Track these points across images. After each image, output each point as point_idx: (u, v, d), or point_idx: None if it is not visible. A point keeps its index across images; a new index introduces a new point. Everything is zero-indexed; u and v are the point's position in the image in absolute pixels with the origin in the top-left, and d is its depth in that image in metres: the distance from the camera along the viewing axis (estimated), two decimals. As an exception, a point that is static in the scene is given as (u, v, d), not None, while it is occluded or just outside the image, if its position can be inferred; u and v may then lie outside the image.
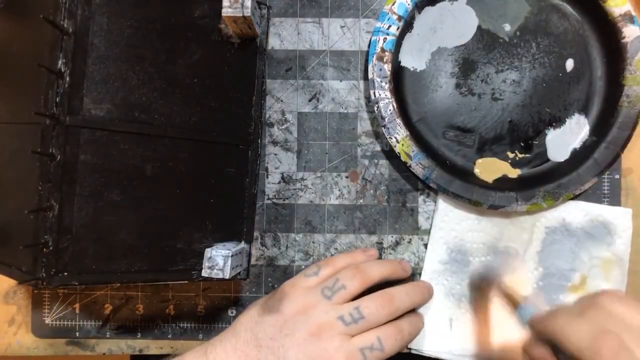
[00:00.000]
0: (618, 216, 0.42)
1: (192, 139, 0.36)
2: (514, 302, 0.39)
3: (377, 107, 0.40)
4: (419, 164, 0.40)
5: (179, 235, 0.36)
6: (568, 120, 0.42)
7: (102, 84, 0.32)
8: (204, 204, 0.38)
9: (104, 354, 0.44)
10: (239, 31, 0.38)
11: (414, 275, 0.43)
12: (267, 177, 0.44)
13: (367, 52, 0.42)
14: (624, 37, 0.40)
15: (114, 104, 0.32)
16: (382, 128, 0.41)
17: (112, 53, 0.32)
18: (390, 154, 0.43)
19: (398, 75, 0.42)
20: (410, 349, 0.42)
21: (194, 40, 0.36)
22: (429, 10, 0.42)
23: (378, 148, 0.43)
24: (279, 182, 0.43)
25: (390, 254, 0.43)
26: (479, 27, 0.42)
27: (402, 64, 0.42)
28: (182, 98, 0.35)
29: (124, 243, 0.34)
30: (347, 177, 0.43)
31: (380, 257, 0.43)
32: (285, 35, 0.43)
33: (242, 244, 0.40)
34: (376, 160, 0.43)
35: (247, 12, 0.35)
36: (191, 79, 0.36)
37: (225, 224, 0.39)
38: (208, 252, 0.36)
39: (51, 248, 0.30)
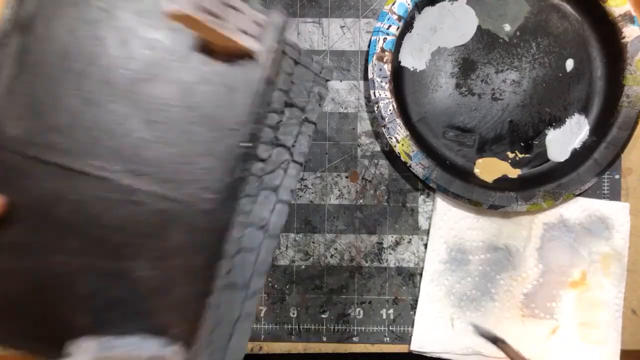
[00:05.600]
0: (616, 211, 0.42)
1: (118, 181, 0.29)
2: None
3: (377, 107, 0.40)
4: (419, 164, 0.40)
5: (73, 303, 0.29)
6: (568, 121, 0.42)
7: (24, 97, 0.28)
8: (129, 277, 0.29)
9: None
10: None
11: (414, 275, 0.43)
12: (267, 177, 0.44)
13: (367, 52, 0.42)
14: (624, 37, 0.40)
15: (34, 122, 0.28)
16: (382, 128, 0.41)
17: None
18: (390, 154, 0.43)
19: (398, 75, 0.42)
20: (412, 351, 0.42)
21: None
22: (428, 11, 0.42)
23: (378, 148, 0.43)
24: (279, 182, 0.43)
25: (390, 254, 0.43)
26: (478, 27, 0.42)
27: (402, 64, 0.42)
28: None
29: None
30: (347, 177, 0.43)
31: (380, 256, 0.43)
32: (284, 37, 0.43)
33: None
34: (376, 160, 0.43)
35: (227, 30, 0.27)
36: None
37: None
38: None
39: None
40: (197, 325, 0.30)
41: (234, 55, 0.29)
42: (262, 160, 0.32)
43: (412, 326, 0.43)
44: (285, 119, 0.33)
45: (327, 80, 0.35)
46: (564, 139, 0.42)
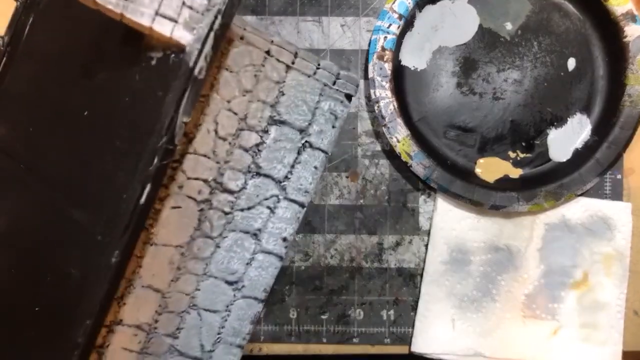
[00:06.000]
0: (617, 211, 0.42)
1: (50, 200, 0.24)
2: None
3: (378, 107, 0.40)
4: (419, 164, 0.40)
5: None
6: (570, 120, 0.42)
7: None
8: (25, 309, 0.24)
9: None
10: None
11: (414, 276, 0.43)
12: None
13: (368, 51, 0.42)
14: (626, 36, 0.39)
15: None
16: (383, 128, 0.40)
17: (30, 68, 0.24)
18: (390, 154, 0.43)
19: (399, 75, 0.42)
20: (413, 352, 0.42)
21: (101, 52, 0.24)
22: (429, 9, 0.42)
23: (378, 148, 0.43)
24: (279, 182, 0.43)
25: (390, 254, 0.43)
26: (480, 26, 0.42)
27: (403, 63, 0.42)
28: (64, 138, 0.24)
29: None
30: (347, 177, 0.43)
31: (380, 257, 0.43)
32: (285, 34, 0.43)
33: None
34: (376, 160, 0.43)
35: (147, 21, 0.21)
36: (81, 110, 0.24)
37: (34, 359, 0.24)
38: None
39: None
40: None
41: (167, 47, 0.22)
42: (230, 192, 0.26)
43: (413, 327, 0.42)
44: (270, 140, 0.27)
45: (348, 95, 0.29)
46: (566, 139, 0.42)
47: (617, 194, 0.42)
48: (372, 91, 0.40)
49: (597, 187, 0.42)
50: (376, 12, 0.43)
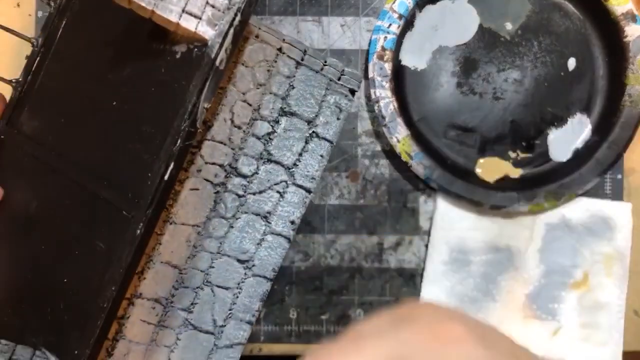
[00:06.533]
0: (618, 211, 0.42)
1: (79, 182, 0.27)
2: None
3: (378, 107, 0.40)
4: (420, 164, 0.40)
5: (18, 306, 0.27)
6: (570, 120, 0.42)
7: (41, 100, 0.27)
8: (55, 281, 0.27)
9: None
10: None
11: (414, 276, 0.43)
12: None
13: (368, 50, 0.42)
14: (626, 36, 0.39)
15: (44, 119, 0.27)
16: (383, 127, 0.40)
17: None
18: (390, 154, 0.43)
19: (399, 74, 0.42)
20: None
21: (129, 48, 0.27)
22: (430, 9, 0.42)
23: (378, 148, 0.43)
24: (279, 182, 0.43)
25: (391, 254, 0.43)
26: (480, 26, 0.42)
27: (403, 62, 0.42)
28: (94, 126, 0.27)
29: None
30: (347, 177, 0.43)
31: (380, 257, 0.43)
32: (284, 34, 0.43)
33: None
34: (377, 160, 0.43)
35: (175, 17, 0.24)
36: (110, 101, 0.27)
37: (63, 326, 0.27)
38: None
39: None
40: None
41: (191, 41, 0.26)
42: (244, 176, 0.29)
43: (413, 327, 0.42)
44: (280, 130, 0.29)
45: (352, 90, 0.31)
46: (566, 139, 0.42)
47: (617, 194, 0.42)
48: (372, 91, 0.40)
49: (598, 187, 0.42)
50: (376, 12, 0.43)
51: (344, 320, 0.43)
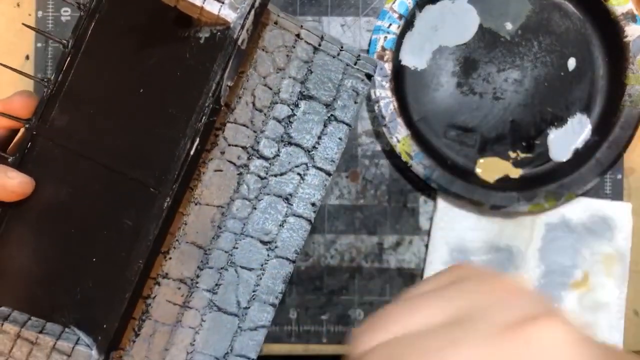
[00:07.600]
0: (618, 211, 0.42)
1: (108, 166, 0.28)
2: None
3: (378, 107, 0.40)
4: (420, 164, 0.40)
5: (53, 284, 0.28)
6: (570, 120, 0.42)
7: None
8: (85, 262, 0.28)
9: None
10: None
11: (414, 276, 0.43)
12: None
13: (368, 50, 0.42)
14: (626, 36, 0.39)
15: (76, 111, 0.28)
16: (383, 127, 0.40)
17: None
18: (390, 154, 0.43)
19: (399, 74, 0.42)
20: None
21: (155, 39, 0.29)
22: (430, 9, 0.42)
23: (378, 148, 0.43)
24: (279, 182, 0.43)
25: (391, 254, 0.43)
26: (480, 26, 0.42)
27: (403, 62, 0.42)
28: (122, 114, 0.28)
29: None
30: (347, 177, 0.43)
31: (380, 257, 0.43)
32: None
33: (91, 352, 0.26)
34: (377, 160, 0.43)
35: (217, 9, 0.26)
36: (137, 89, 0.28)
37: (91, 304, 0.28)
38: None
39: None
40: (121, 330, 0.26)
41: (214, 25, 0.27)
42: (265, 158, 0.29)
43: (413, 327, 0.42)
44: (300, 113, 0.30)
45: (368, 75, 0.30)
46: (566, 139, 0.42)
47: (617, 194, 0.42)
48: (372, 91, 0.40)
49: (598, 187, 0.42)
50: (376, 12, 0.43)
51: (344, 320, 0.43)
